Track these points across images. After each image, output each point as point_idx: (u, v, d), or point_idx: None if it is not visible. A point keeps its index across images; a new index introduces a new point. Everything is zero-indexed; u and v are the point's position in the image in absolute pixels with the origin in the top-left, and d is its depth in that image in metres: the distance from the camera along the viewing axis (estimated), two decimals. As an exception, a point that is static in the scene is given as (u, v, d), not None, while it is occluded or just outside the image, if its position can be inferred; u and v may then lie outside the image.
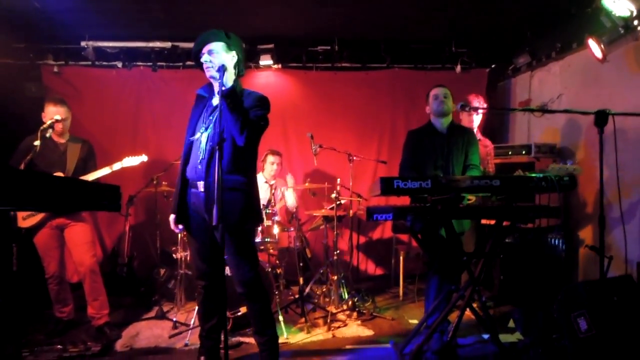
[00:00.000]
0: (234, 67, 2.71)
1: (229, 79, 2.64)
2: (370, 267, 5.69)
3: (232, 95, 2.52)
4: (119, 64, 5.18)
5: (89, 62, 5.08)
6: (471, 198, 3.09)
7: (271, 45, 5.18)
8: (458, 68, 5.51)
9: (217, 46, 2.67)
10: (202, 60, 2.65)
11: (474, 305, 2.92)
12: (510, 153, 4.79)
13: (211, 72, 2.62)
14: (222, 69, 2.51)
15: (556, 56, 4.87)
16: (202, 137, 2.68)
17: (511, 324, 3.82)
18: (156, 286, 4.58)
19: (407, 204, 3.35)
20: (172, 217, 2.86)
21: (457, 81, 5.44)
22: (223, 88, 2.50)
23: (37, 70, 5.09)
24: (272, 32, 5.04)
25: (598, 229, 2.68)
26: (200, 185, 2.65)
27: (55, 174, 3.50)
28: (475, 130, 4.00)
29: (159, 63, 5.20)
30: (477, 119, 4.11)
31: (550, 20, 4.67)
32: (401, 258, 4.81)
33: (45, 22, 4.42)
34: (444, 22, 4.82)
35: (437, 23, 4.84)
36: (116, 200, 1.60)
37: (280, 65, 5.46)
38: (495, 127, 5.78)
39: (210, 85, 2.81)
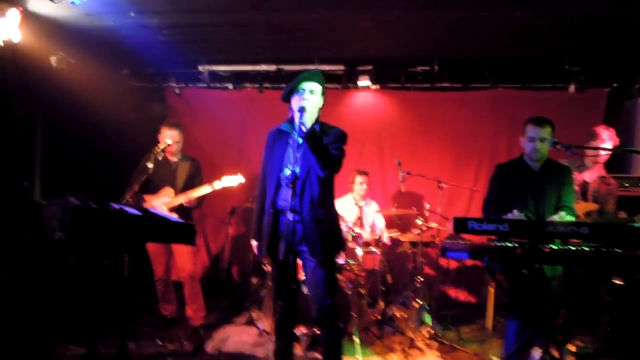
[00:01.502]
0: (317, 111, 2.87)
1: (309, 120, 2.75)
2: (461, 294, 5.44)
3: (312, 137, 2.65)
4: (230, 86, 5.66)
5: (205, 84, 5.62)
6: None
7: (370, 67, 5.23)
8: (572, 88, 5.06)
9: (318, 88, 2.84)
10: (304, 96, 2.78)
11: (555, 355, 2.72)
12: (627, 185, 4.29)
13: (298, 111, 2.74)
14: (302, 110, 2.67)
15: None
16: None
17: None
18: (248, 293, 4.92)
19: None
20: (254, 243, 3.10)
21: (570, 102, 5.07)
22: (303, 128, 2.64)
23: (162, 92, 5.79)
24: (370, 54, 5.11)
25: None
26: (291, 215, 2.80)
27: (165, 189, 4.00)
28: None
29: (264, 84, 5.56)
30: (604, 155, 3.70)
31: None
32: (490, 287, 4.57)
33: (169, 50, 5.02)
34: (555, 38, 4.48)
35: (548, 40, 4.52)
36: (191, 237, 1.84)
37: (378, 86, 5.50)
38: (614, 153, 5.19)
39: (292, 121, 2.94)
